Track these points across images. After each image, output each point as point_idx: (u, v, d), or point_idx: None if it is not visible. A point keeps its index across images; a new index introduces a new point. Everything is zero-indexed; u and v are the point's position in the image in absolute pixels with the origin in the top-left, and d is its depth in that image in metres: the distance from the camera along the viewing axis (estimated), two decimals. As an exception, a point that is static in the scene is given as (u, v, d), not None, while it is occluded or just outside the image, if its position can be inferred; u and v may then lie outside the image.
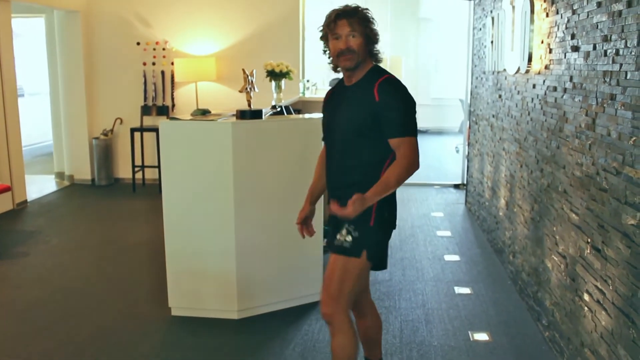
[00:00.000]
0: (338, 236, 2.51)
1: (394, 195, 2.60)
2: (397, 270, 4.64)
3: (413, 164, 2.42)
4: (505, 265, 4.61)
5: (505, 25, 4.44)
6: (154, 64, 7.60)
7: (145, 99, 7.65)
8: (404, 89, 2.46)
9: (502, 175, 4.80)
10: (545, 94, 3.60)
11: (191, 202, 3.74)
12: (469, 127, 6.73)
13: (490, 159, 5.36)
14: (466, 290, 4.23)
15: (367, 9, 2.48)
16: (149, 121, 7.67)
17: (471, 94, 6.59)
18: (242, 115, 3.75)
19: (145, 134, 7.57)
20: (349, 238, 2.49)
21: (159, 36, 7.55)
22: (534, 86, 3.86)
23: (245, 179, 3.65)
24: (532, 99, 3.90)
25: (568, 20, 3.19)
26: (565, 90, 3.22)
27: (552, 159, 3.45)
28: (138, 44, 7.56)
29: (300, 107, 6.78)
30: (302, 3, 7.44)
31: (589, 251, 2.80)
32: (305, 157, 3.71)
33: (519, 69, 4.08)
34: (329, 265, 2.57)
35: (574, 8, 3.08)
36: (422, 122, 12.93)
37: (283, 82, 5.72)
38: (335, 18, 2.43)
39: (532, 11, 3.75)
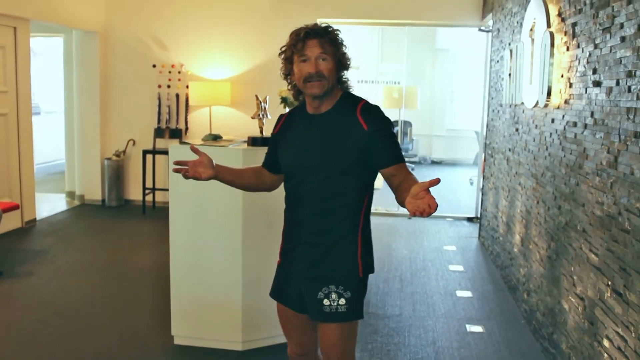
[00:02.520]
0: (326, 302, 2.20)
1: (370, 234, 2.35)
2: (408, 305, 4.51)
3: None
4: (519, 303, 4.47)
5: (524, 58, 4.37)
6: (169, 86, 7.60)
7: (159, 121, 7.64)
8: (384, 113, 2.23)
9: (518, 210, 4.68)
10: (564, 129, 3.50)
11: (198, 229, 3.66)
12: (484, 160, 6.63)
13: (505, 193, 5.25)
14: (478, 329, 4.09)
15: (338, 30, 2.20)
16: (161, 144, 7.65)
17: (487, 126, 6.50)
18: (253, 142, 3.69)
19: (157, 156, 7.54)
20: (343, 301, 2.20)
21: (174, 59, 7.56)
22: (552, 121, 3.77)
23: (254, 207, 3.57)
24: (551, 133, 3.80)
25: (590, 55, 3.11)
26: (585, 126, 3.13)
27: (570, 196, 3.34)
28: (154, 66, 7.58)
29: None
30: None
31: (609, 294, 2.67)
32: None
33: (537, 102, 4.00)
34: (324, 337, 2.27)
35: (596, 42, 3.01)
36: (436, 153, 12.89)
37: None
38: (305, 37, 2.10)
39: (552, 44, 3.67)
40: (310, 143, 2.18)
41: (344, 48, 2.23)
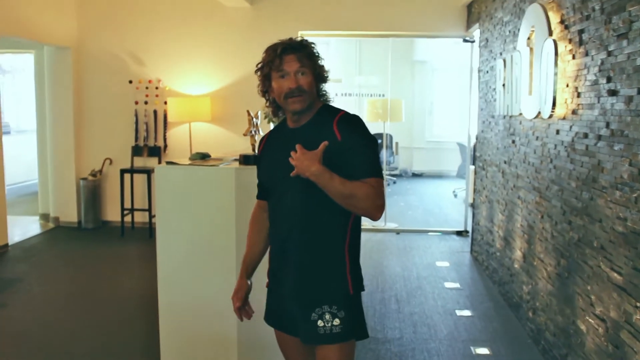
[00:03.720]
0: (320, 323, 2.09)
1: (359, 250, 2.21)
2: (408, 327, 4.31)
3: (379, 207, 2.02)
4: (523, 322, 4.29)
5: (522, 67, 4.23)
6: (146, 103, 7.33)
7: (137, 139, 7.35)
8: (365, 125, 2.12)
9: (518, 225, 4.52)
10: (572, 140, 3.35)
11: (189, 253, 3.42)
12: (475, 173, 6.49)
13: (501, 207, 5.09)
14: (485, 351, 3.90)
15: (313, 43, 2.14)
16: (139, 162, 7.36)
17: (477, 138, 6.36)
18: (245, 160, 3.46)
19: (135, 175, 7.25)
20: (337, 321, 2.08)
21: (152, 74, 7.30)
22: (557, 132, 3.62)
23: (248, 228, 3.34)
24: (556, 145, 3.65)
25: (602, 62, 2.96)
26: (599, 137, 2.97)
27: (583, 211, 3.17)
28: (130, 82, 7.30)
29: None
30: (301, 43, 7.24)
31: (638, 316, 2.50)
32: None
33: (539, 113, 3.85)
34: None
35: (610, 49, 2.86)
36: (417, 165, 12.76)
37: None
38: (282, 53, 2.04)
39: (556, 53, 3.52)
40: (288, 157, 2.03)
41: (320, 61, 2.16)
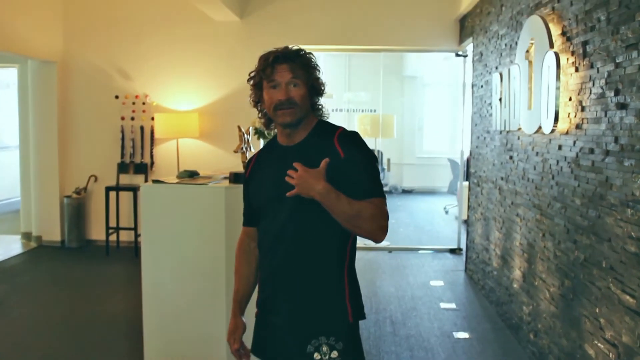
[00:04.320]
0: (317, 356, 1.93)
1: (355, 274, 2.05)
2: (404, 350, 4.14)
3: (384, 228, 1.89)
4: (524, 344, 4.13)
5: (521, 81, 4.11)
6: (132, 118, 7.15)
7: (123, 155, 7.17)
8: (365, 142, 2.00)
9: (517, 243, 4.38)
10: (577, 156, 3.22)
11: (176, 274, 3.25)
12: (469, 189, 6.36)
13: (498, 224, 4.95)
14: (485, 376, 3.74)
15: (311, 53, 2.00)
16: (125, 179, 7.17)
17: (471, 154, 6.24)
18: (235, 178, 3.31)
19: (121, 193, 7.05)
20: (335, 354, 1.92)
21: (139, 90, 7.14)
22: (559, 147, 3.50)
23: (239, 249, 3.17)
24: (558, 161, 3.53)
25: (609, 75, 2.84)
26: (607, 152, 2.85)
27: (589, 230, 3.04)
28: (116, 97, 7.13)
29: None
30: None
31: (655, 343, 2.36)
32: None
33: (540, 128, 3.73)
34: None
35: (618, 61, 2.74)
36: (407, 181, 12.65)
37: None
38: (274, 61, 1.91)
39: (558, 66, 3.41)
40: (284, 176, 1.87)
41: (317, 72, 2.01)
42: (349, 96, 11.90)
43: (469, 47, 6.62)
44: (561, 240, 3.46)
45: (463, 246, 7.14)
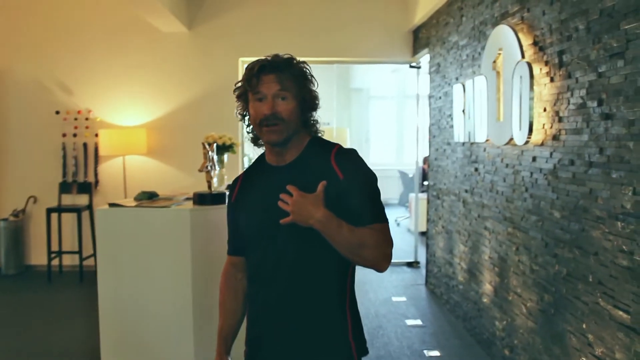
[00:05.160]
0: None
1: (357, 306, 1.87)
2: (377, 372, 3.97)
3: (388, 256, 1.73)
4: (497, 360, 4.04)
5: (488, 92, 4.04)
6: (75, 135, 6.76)
7: (65, 174, 6.76)
8: (363, 160, 1.82)
9: (485, 257, 4.30)
10: (554, 168, 3.15)
11: (138, 304, 2.99)
12: (428, 202, 6.28)
13: (463, 237, 4.87)
14: (464, 397, 3.61)
15: (304, 62, 1.82)
16: (68, 200, 6.76)
17: (428, 166, 6.16)
18: (200, 199, 3.08)
19: (63, 214, 6.64)
20: None
21: (81, 104, 6.76)
22: (533, 159, 3.42)
23: (206, 276, 2.94)
24: (532, 173, 3.45)
25: (590, 84, 2.77)
26: (590, 164, 2.78)
27: (572, 243, 2.96)
28: (57, 112, 6.73)
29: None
30: (241, 69, 6.92)
31: (657, 362, 2.27)
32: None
33: (511, 139, 3.65)
34: None
35: (601, 70, 2.68)
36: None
37: (226, 156, 5.06)
38: (259, 71, 1.72)
39: (532, 76, 3.34)
40: (275, 201, 1.69)
41: (310, 84, 1.82)
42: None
43: (423, 58, 6.57)
44: (538, 254, 3.38)
45: (420, 259, 7.06)
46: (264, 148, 1.90)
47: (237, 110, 1.87)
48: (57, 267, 6.70)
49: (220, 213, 3.04)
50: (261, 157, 1.92)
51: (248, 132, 1.89)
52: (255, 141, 1.88)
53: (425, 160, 7.99)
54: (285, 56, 1.80)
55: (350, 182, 1.72)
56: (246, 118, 1.85)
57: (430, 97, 6.05)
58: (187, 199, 3.25)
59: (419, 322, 5.06)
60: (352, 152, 1.81)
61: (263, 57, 1.77)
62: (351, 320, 1.80)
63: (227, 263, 2.02)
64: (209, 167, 3.10)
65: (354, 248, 1.67)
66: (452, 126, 5.11)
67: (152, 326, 2.96)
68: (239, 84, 1.82)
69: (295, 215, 1.63)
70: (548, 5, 3.22)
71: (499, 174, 4.01)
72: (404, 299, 5.77)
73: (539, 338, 3.38)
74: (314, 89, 1.83)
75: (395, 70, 10.96)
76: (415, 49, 6.71)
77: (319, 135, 1.89)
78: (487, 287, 4.26)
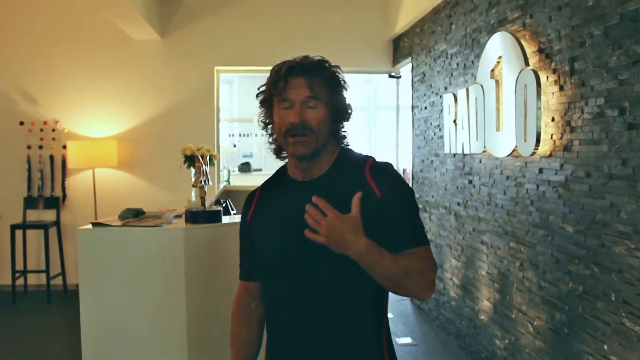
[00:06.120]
0: None
1: (391, 336, 1.68)
2: (375, 397, 3.75)
3: (432, 283, 1.54)
4: (499, 381, 3.88)
5: (485, 102, 3.90)
6: (41, 147, 6.39)
7: (30, 189, 6.38)
8: (400, 174, 1.64)
9: (482, 272, 4.14)
10: (566, 180, 3.01)
11: (127, 331, 2.72)
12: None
13: (455, 252, 4.71)
14: (470, 422, 3.43)
15: (337, 65, 1.62)
16: (33, 216, 6.37)
17: (413, 177, 6.01)
18: (192, 217, 2.83)
19: (29, 231, 6.24)
20: None
21: (47, 115, 6.40)
22: (540, 171, 3.28)
23: (202, 302, 2.69)
24: (538, 185, 3.31)
25: (609, 93, 2.64)
26: (611, 176, 2.64)
27: (589, 260, 2.81)
28: (22, 123, 6.35)
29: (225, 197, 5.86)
30: (217, 80, 6.67)
31: (700, 388, 2.12)
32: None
33: (514, 150, 3.51)
34: None
35: (622, 78, 2.54)
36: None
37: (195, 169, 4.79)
38: (287, 73, 1.54)
39: (539, 84, 3.20)
40: (301, 221, 1.46)
41: (342, 91, 1.62)
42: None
43: (404, 68, 6.43)
44: (547, 270, 3.23)
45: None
46: (286, 160, 1.70)
47: (259, 118, 1.66)
48: (22, 286, 6.30)
49: (216, 232, 2.81)
50: (282, 170, 1.71)
51: (270, 143, 1.68)
52: (278, 153, 1.68)
53: (405, 172, 7.86)
54: (316, 58, 1.60)
55: (388, 201, 1.53)
56: (269, 127, 1.65)
57: (414, 107, 5.90)
58: (177, 216, 3.00)
59: (409, 340, 4.89)
60: (388, 167, 1.62)
61: (292, 59, 1.57)
62: (387, 348, 1.62)
63: (239, 289, 1.80)
64: (203, 182, 2.86)
65: (396, 279, 1.47)
66: (440, 137, 4.97)
67: (140, 356, 2.70)
68: (263, 88, 1.62)
69: (329, 241, 1.41)
70: (556, 11, 3.09)
71: (497, 187, 3.86)
72: (390, 315, 5.56)
73: (548, 358, 3.22)
74: (346, 96, 1.63)
75: (368, 80, 10.82)
76: (396, 58, 6.57)
77: (348, 147, 1.69)
78: (485, 304, 4.10)
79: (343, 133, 1.66)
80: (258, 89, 1.63)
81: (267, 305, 1.68)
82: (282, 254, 1.59)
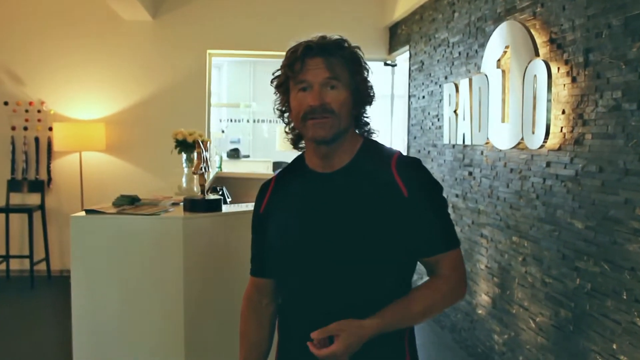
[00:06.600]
0: None
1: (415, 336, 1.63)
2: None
3: (464, 292, 1.52)
4: (496, 376, 3.82)
5: (490, 92, 3.81)
6: (25, 128, 6.20)
7: (14, 171, 6.19)
8: (428, 171, 1.53)
9: (481, 266, 4.07)
10: (576, 174, 2.93)
11: (120, 328, 2.60)
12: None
13: (452, 244, 4.63)
14: (469, 418, 3.37)
15: (357, 46, 1.52)
16: (17, 199, 6.19)
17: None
18: (192, 206, 2.70)
19: (12, 215, 6.06)
20: None
21: (33, 96, 6.21)
22: (547, 164, 3.20)
23: (201, 295, 2.58)
24: (545, 179, 3.23)
25: (627, 86, 2.56)
26: (627, 171, 2.56)
27: (599, 257, 2.74)
28: (6, 104, 6.15)
29: (217, 185, 5.73)
30: (209, 64, 6.52)
31: None
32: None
33: (520, 142, 3.43)
34: None
35: (641, 70, 2.46)
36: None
37: (195, 154, 4.65)
38: (304, 54, 1.43)
39: (550, 75, 3.11)
40: (321, 216, 1.43)
41: (364, 72, 1.50)
42: (255, 106, 11.36)
43: (401, 56, 6.32)
44: (552, 266, 3.16)
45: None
46: (303, 150, 1.59)
47: (275, 105, 1.55)
48: (4, 272, 6.12)
49: (216, 222, 2.69)
50: (299, 160, 1.59)
51: (287, 132, 1.57)
52: (295, 143, 1.57)
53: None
54: (335, 37, 1.49)
55: (417, 201, 1.43)
56: (285, 115, 1.54)
57: (410, 96, 5.80)
58: (174, 204, 2.88)
59: (403, 332, 4.81)
60: (417, 163, 1.52)
61: (309, 38, 1.46)
62: (409, 352, 1.53)
63: (250, 286, 1.69)
64: (203, 169, 2.73)
65: (425, 316, 1.48)
66: (439, 127, 4.88)
67: (136, 353, 2.58)
68: (278, 72, 1.51)
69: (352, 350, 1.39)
70: (570, 1, 2.99)
71: (500, 179, 3.78)
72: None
73: (551, 356, 3.16)
74: (368, 79, 1.52)
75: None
76: (392, 46, 6.46)
77: (373, 137, 1.59)
78: (483, 298, 4.03)
79: (365, 119, 1.56)
80: (273, 74, 1.52)
81: (281, 304, 1.59)
82: (299, 250, 1.49)
